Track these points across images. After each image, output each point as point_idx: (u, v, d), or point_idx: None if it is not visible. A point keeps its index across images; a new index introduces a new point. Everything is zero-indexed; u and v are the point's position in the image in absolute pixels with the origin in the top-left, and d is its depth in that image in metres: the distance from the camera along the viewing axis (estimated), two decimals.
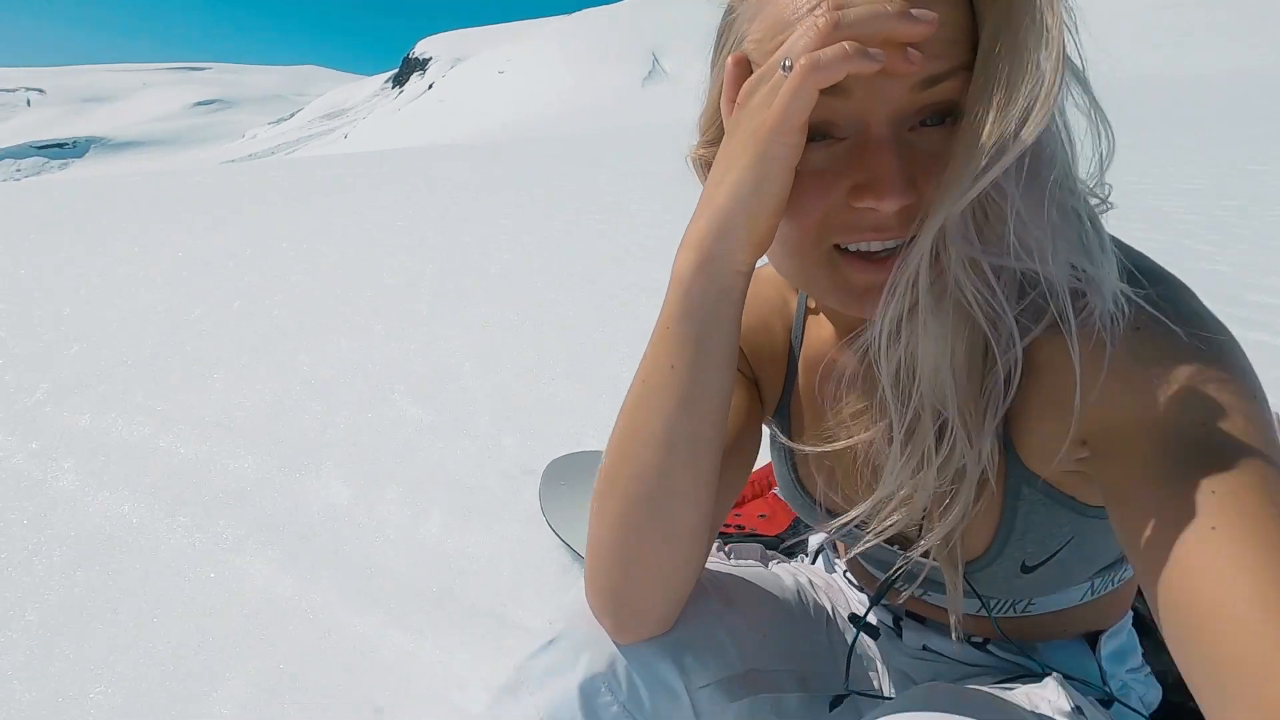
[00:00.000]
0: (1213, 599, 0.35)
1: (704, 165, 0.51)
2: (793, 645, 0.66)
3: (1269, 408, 0.41)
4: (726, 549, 0.75)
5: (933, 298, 0.42)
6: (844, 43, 0.40)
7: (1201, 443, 0.39)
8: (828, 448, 0.52)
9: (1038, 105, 0.39)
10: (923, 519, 0.52)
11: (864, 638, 0.72)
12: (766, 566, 0.76)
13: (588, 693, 0.53)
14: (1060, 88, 0.40)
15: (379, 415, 2.04)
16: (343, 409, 2.09)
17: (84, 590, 1.36)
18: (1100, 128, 0.43)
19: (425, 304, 3.16)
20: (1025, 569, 0.55)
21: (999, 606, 0.61)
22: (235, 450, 1.88)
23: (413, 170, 10.97)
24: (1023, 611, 0.62)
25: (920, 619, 0.69)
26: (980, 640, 0.67)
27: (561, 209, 5.71)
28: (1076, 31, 0.41)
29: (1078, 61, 0.42)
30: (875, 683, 0.71)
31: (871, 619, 0.71)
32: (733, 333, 0.49)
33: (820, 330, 0.61)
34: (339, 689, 1.10)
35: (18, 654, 1.18)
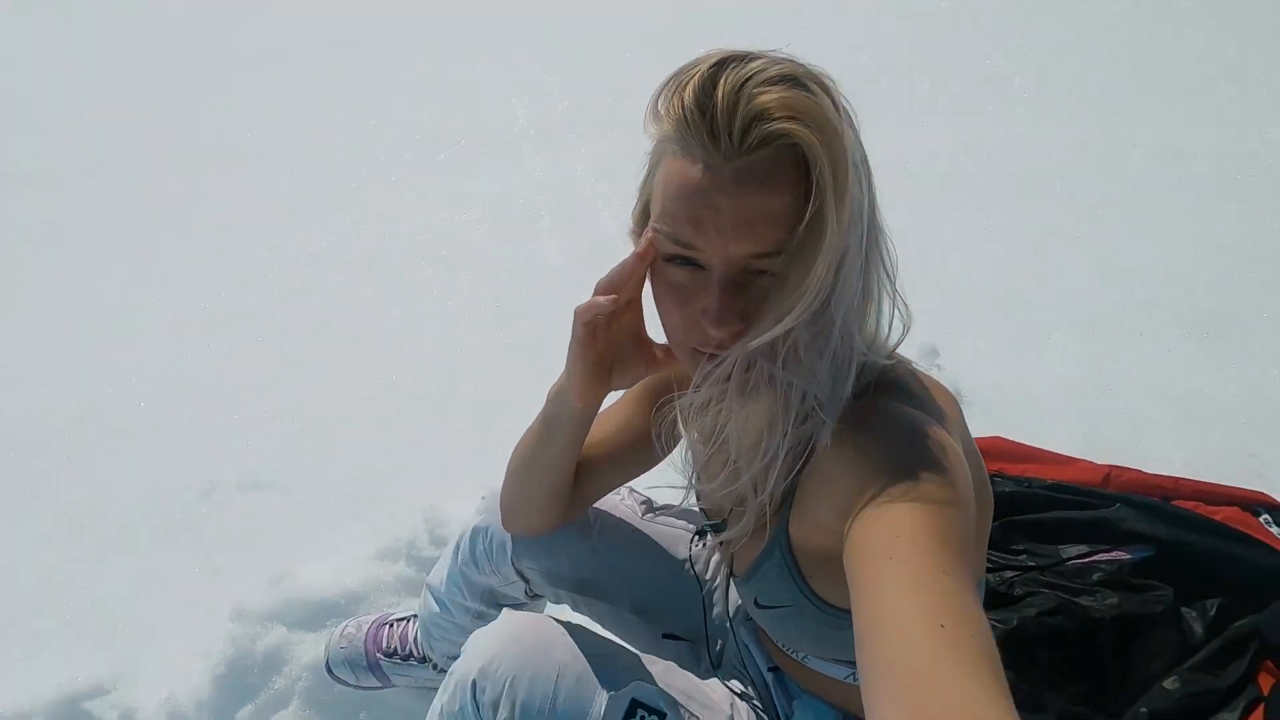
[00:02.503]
0: (894, 616, 0.47)
1: (632, 238, 0.68)
2: (641, 584, 0.98)
3: (954, 485, 0.56)
4: (657, 509, 1.03)
5: (737, 391, 0.60)
6: (589, 300, 0.67)
7: (899, 501, 0.54)
8: (686, 435, 0.72)
9: (803, 300, 0.56)
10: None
11: (728, 614, 0.97)
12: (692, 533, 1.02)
13: (475, 532, 0.99)
14: (830, 277, 0.56)
15: None
16: None
17: (504, 315, 2.13)
18: (897, 310, 0.63)
19: None
20: (758, 604, 0.75)
21: (786, 647, 0.81)
22: (625, 233, 2.53)
23: None
24: (802, 660, 0.80)
25: (757, 636, 0.92)
26: (772, 665, 0.89)
27: None
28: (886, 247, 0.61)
29: (890, 260, 0.62)
30: (711, 647, 0.98)
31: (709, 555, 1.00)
32: (573, 431, 0.80)
33: None
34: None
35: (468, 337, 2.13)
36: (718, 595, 1.00)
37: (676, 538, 1.02)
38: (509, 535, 0.96)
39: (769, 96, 0.54)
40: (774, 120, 0.54)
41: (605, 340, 0.73)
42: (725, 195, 0.56)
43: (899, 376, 0.66)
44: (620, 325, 0.73)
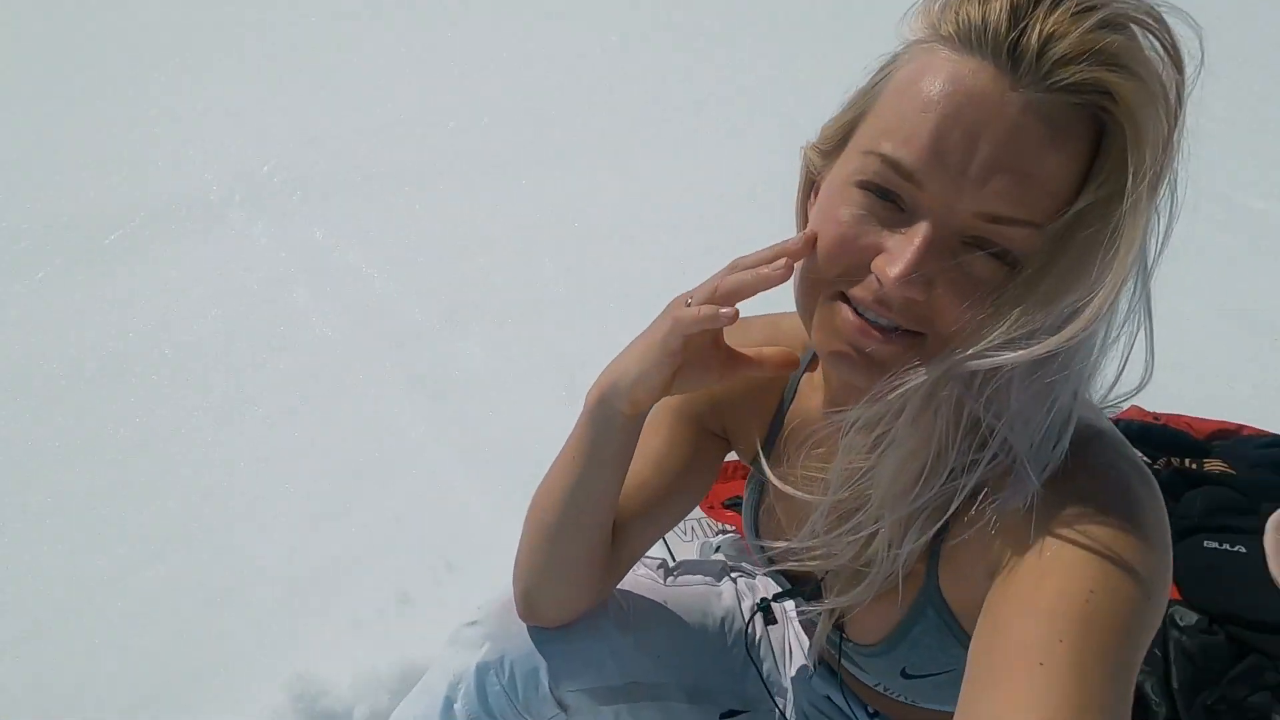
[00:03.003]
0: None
1: (808, 165, 0.56)
2: (692, 664, 0.80)
3: (1153, 578, 0.45)
4: (674, 571, 0.87)
5: (913, 416, 0.48)
6: (702, 308, 0.54)
7: (1079, 604, 0.43)
8: (782, 487, 0.58)
9: (1081, 316, 0.43)
10: (823, 577, 0.62)
11: (782, 672, 0.84)
12: (719, 582, 0.87)
13: (481, 671, 0.72)
14: (1109, 307, 0.43)
15: (526, 278, 2.27)
16: (500, 266, 2.34)
17: (283, 404, 1.76)
18: (1147, 357, 0.48)
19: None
20: (905, 675, 0.64)
21: (892, 692, 0.70)
22: (410, 293, 2.21)
23: None
24: (910, 701, 0.69)
25: (834, 673, 0.79)
26: (874, 711, 0.77)
27: None
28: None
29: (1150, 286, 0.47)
30: (782, 708, 0.83)
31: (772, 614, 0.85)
32: (620, 447, 0.64)
33: (811, 393, 0.68)
34: (430, 539, 1.34)
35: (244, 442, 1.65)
36: (763, 650, 0.87)
37: (703, 597, 0.86)
38: (543, 661, 0.72)
39: (1108, 39, 0.42)
40: (1104, 68, 0.42)
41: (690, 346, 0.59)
42: (997, 125, 0.43)
43: (1090, 416, 0.53)
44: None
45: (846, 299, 0.50)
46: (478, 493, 1.50)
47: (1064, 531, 0.46)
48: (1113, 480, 0.49)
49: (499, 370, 1.85)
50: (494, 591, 0.77)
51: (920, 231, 0.46)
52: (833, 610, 0.65)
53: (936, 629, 0.59)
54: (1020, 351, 0.44)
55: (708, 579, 0.88)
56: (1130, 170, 0.42)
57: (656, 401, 0.62)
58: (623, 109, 3.44)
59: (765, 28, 4.19)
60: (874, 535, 0.53)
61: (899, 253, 0.46)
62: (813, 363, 0.68)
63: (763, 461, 0.62)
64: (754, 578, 0.93)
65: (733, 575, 0.91)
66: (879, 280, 0.47)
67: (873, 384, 0.49)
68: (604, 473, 0.65)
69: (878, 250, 0.47)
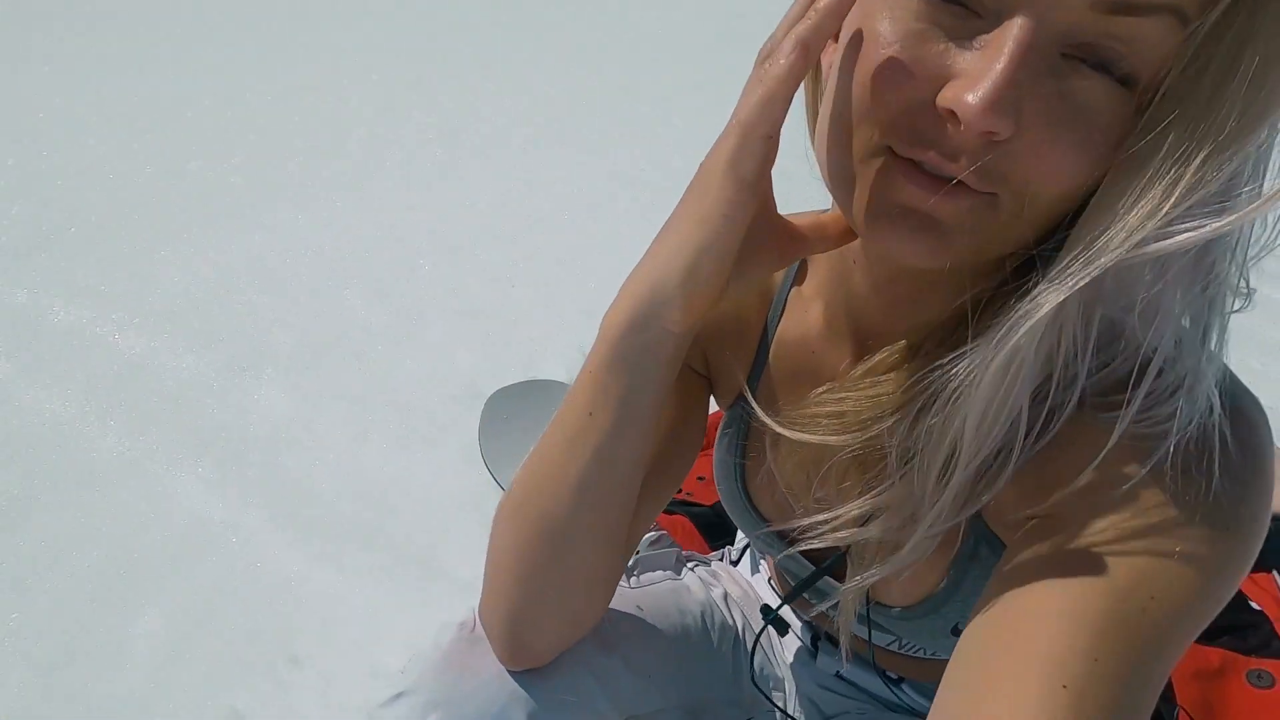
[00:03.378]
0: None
1: None
2: (685, 677, 0.65)
3: (1211, 607, 0.36)
4: (634, 570, 0.71)
5: (1036, 336, 0.34)
6: (797, 26, 0.37)
7: (1133, 614, 0.34)
8: (794, 434, 0.45)
9: (1235, 147, 0.29)
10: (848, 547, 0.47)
11: (775, 661, 0.71)
12: (680, 575, 0.72)
13: None
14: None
15: (327, 312, 1.95)
16: (290, 303, 1.99)
17: (4, 498, 1.31)
18: None
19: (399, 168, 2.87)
20: (957, 631, 0.51)
21: (911, 648, 0.59)
22: (176, 346, 1.80)
23: None
24: (933, 655, 0.60)
25: (836, 644, 0.66)
26: (895, 678, 0.66)
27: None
28: None
29: None
30: (781, 704, 0.70)
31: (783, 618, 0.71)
32: (659, 390, 0.46)
33: (804, 310, 0.54)
34: (257, 632, 1.06)
35: None
36: (747, 636, 0.73)
37: (674, 593, 0.71)
38: (519, 711, 0.52)
39: None
40: None
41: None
42: None
43: None
44: None
45: (894, 152, 0.36)
46: (311, 562, 1.17)
47: (1158, 502, 0.35)
48: (1250, 444, 0.36)
49: (310, 416, 1.53)
50: (396, 663, 0.55)
51: (1013, 34, 0.31)
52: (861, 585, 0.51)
53: (988, 566, 0.47)
54: (1200, 226, 0.29)
55: (668, 573, 0.73)
56: None
57: (719, 297, 0.42)
58: (414, 126, 3.19)
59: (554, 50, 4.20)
60: (949, 483, 0.39)
61: (981, 70, 0.32)
62: (800, 273, 0.55)
63: (754, 404, 0.46)
64: (709, 565, 0.79)
65: (690, 565, 0.76)
66: (952, 113, 0.32)
67: (933, 258, 0.36)
68: (636, 431, 0.46)
69: (943, 78, 0.33)
